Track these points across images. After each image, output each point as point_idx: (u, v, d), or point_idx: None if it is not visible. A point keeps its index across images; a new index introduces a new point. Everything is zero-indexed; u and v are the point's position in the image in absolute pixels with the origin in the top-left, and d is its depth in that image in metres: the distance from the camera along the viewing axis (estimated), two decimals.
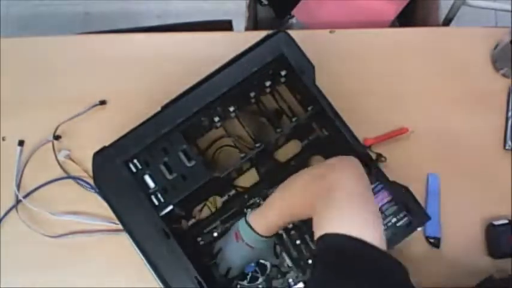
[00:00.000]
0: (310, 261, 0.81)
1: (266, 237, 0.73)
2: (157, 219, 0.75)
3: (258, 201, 0.87)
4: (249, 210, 0.76)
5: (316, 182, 0.62)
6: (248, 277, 0.82)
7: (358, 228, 0.53)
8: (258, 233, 0.72)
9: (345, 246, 0.52)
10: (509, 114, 0.93)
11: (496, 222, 0.86)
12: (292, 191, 0.67)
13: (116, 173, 0.77)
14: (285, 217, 0.70)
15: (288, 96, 0.90)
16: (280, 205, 0.70)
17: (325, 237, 0.54)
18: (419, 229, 0.77)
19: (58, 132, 0.93)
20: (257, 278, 0.82)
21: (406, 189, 0.78)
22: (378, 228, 0.55)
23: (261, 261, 0.82)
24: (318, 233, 0.56)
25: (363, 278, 0.50)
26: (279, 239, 0.83)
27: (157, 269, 0.74)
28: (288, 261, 0.82)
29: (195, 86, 0.80)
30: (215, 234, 0.85)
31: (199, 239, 0.85)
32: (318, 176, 0.62)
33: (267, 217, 0.72)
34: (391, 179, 0.79)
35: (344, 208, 0.56)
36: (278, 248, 0.82)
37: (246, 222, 0.74)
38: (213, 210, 0.88)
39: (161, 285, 0.74)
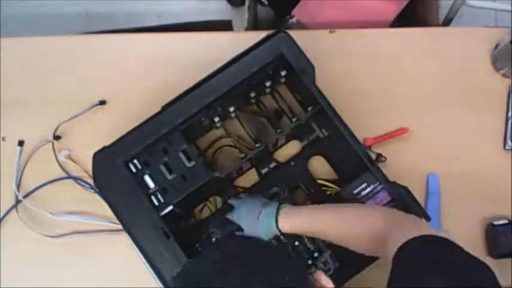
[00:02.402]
0: (309, 263, 0.81)
1: (281, 233, 0.73)
2: (157, 219, 0.75)
3: None
4: (284, 205, 0.76)
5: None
6: None
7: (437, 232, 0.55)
8: (277, 226, 0.72)
9: (431, 241, 0.54)
10: (509, 114, 0.93)
11: (496, 222, 0.86)
12: (349, 219, 0.68)
13: (116, 173, 0.77)
14: (315, 231, 0.71)
15: (288, 96, 0.90)
16: (322, 219, 0.70)
17: (410, 241, 0.55)
18: None
19: (58, 132, 0.93)
20: None
21: (406, 189, 0.78)
22: None
23: None
24: (396, 246, 0.56)
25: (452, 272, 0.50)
26: (278, 241, 0.82)
27: (157, 269, 0.74)
28: None
29: (195, 86, 0.80)
30: (213, 239, 0.85)
31: (197, 245, 0.85)
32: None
33: (298, 218, 0.72)
34: (391, 179, 0.79)
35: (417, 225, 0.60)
36: None
37: (277, 210, 0.73)
38: (213, 210, 0.88)
39: (161, 285, 0.74)
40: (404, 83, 0.96)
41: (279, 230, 0.72)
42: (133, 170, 0.78)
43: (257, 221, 0.75)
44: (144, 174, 0.78)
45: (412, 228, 0.59)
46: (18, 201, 0.91)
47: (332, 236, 0.69)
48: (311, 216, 0.72)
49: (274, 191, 0.87)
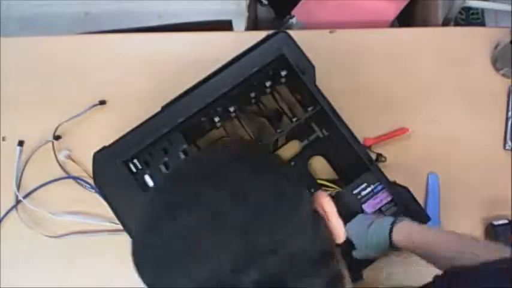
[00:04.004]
0: None
1: (392, 246, 0.70)
2: None
3: None
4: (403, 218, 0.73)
5: None
6: None
7: None
8: (391, 238, 0.70)
9: None
10: (509, 114, 0.93)
11: (496, 222, 0.86)
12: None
13: (116, 173, 0.77)
14: (423, 251, 0.68)
15: (288, 96, 0.90)
16: (439, 242, 0.68)
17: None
18: None
19: (58, 132, 0.93)
20: None
21: (406, 189, 0.78)
22: None
23: None
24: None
25: None
26: None
27: None
28: None
29: (196, 86, 0.80)
30: None
31: None
32: None
33: (421, 234, 0.69)
34: (391, 179, 0.79)
35: None
36: None
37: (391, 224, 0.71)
38: None
39: None
40: (404, 83, 0.96)
41: (391, 241, 0.69)
42: (134, 169, 0.78)
43: (366, 230, 0.72)
44: (144, 174, 0.78)
45: None
46: (18, 201, 0.91)
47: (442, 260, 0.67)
48: (437, 238, 0.69)
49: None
